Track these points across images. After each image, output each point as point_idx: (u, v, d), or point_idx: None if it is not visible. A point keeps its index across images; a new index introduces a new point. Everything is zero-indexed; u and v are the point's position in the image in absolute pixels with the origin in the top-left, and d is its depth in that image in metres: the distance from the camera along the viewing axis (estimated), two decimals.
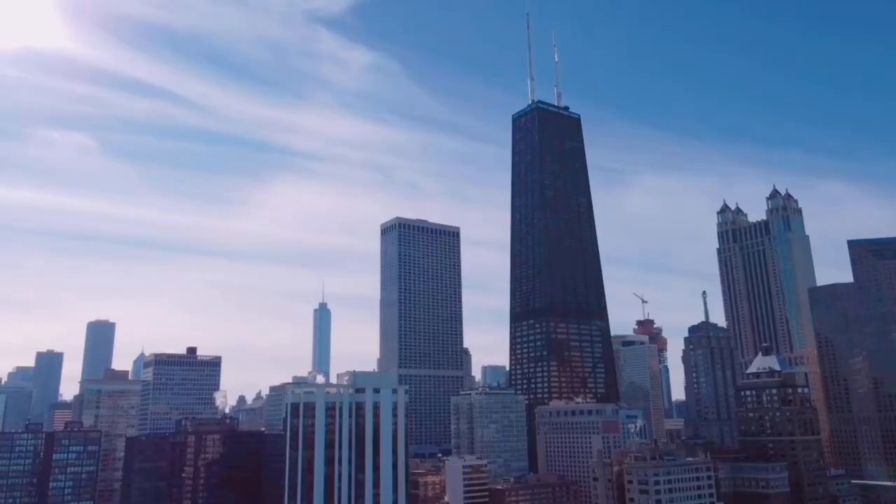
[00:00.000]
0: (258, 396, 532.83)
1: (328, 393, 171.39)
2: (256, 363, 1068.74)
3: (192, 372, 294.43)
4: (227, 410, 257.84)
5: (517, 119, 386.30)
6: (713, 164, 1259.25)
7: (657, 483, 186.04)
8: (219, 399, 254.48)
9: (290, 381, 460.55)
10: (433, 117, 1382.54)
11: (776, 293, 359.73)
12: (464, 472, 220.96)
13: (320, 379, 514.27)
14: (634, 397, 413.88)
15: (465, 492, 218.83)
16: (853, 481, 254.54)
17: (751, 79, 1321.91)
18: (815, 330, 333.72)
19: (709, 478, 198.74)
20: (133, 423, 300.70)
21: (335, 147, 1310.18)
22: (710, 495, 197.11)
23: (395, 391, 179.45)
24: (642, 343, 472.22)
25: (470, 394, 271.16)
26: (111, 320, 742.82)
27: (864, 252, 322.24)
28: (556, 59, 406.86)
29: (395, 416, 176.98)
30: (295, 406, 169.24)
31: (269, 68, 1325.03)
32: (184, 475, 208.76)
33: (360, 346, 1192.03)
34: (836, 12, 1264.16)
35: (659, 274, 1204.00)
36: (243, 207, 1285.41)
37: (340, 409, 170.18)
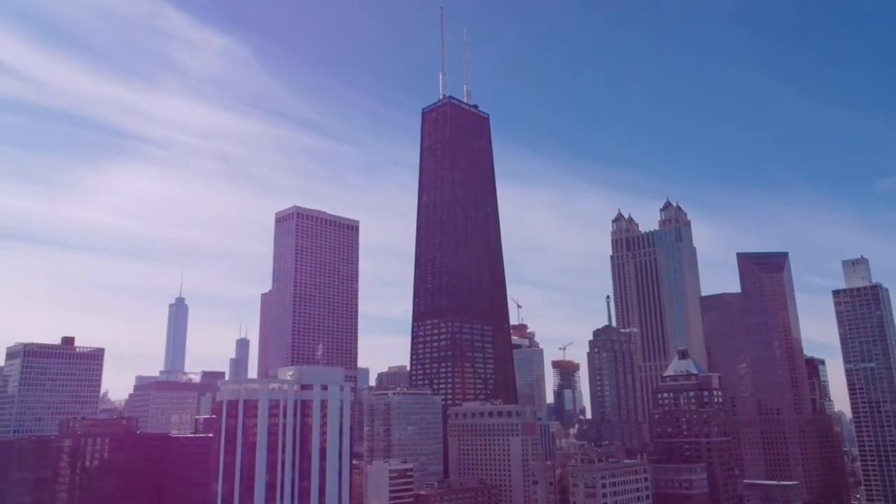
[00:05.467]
0: (104, 398, 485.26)
1: (272, 389, 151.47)
2: None
3: (68, 366, 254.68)
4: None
5: (427, 113, 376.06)
6: (558, 178, 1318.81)
7: (604, 486, 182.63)
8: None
9: (133, 380, 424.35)
10: (290, 112, 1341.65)
11: (666, 300, 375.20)
12: (390, 476, 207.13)
13: (188, 376, 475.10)
14: (519, 400, 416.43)
15: (391, 498, 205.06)
16: (745, 481, 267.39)
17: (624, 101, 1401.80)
18: (705, 336, 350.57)
19: (645, 479, 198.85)
20: None
21: (180, 134, 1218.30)
22: (647, 497, 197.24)
23: (342, 388, 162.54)
24: (528, 347, 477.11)
25: (387, 394, 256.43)
26: None
27: (750, 264, 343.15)
28: (467, 56, 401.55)
29: (341, 416, 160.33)
30: (232, 403, 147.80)
31: (106, 42, 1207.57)
32: (72, 484, 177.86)
33: (210, 346, 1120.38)
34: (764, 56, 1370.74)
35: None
36: (74, 192, 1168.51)
37: (285, 407, 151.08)
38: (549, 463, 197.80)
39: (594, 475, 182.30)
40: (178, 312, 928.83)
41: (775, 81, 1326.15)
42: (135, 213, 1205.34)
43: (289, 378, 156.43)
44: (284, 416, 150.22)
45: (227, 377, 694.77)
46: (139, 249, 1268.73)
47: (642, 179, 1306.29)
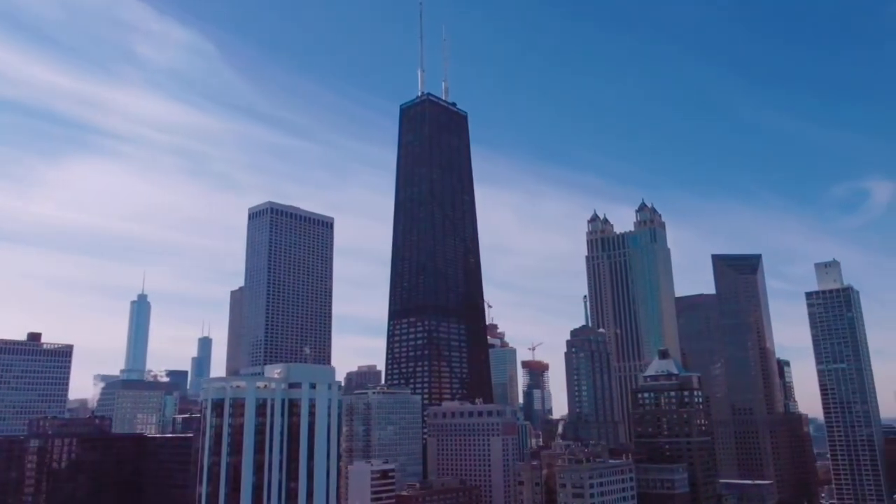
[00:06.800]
0: None
1: (259, 388, 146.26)
2: None
3: (35, 363, 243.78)
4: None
5: (405, 109, 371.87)
6: (529, 180, 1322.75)
7: (591, 486, 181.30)
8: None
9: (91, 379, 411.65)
10: (254, 108, 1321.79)
11: (641, 301, 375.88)
12: (372, 477, 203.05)
13: (153, 374, 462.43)
14: (494, 400, 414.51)
15: (373, 499, 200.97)
16: (720, 480, 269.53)
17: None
18: (679, 337, 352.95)
19: (631, 479, 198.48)
20: None
21: (141, 128, 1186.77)
22: (632, 497, 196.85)
23: (330, 387, 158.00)
24: (503, 347, 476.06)
25: (367, 393, 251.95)
26: None
27: (725, 266, 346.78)
28: (445, 53, 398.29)
29: (329, 415, 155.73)
30: (218, 402, 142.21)
31: (65, 32, 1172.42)
32: (39, 486, 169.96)
33: (169, 345, 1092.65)
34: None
35: None
36: (31, 186, 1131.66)
37: (272, 406, 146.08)
38: (535, 463, 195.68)
39: (582, 475, 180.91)
40: (140, 310, 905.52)
41: (737, 93, 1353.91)
42: (94, 208, 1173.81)
43: (276, 376, 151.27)
44: (272, 415, 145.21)
45: (189, 377, 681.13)
46: (99, 246, 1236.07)
47: (615, 185, 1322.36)
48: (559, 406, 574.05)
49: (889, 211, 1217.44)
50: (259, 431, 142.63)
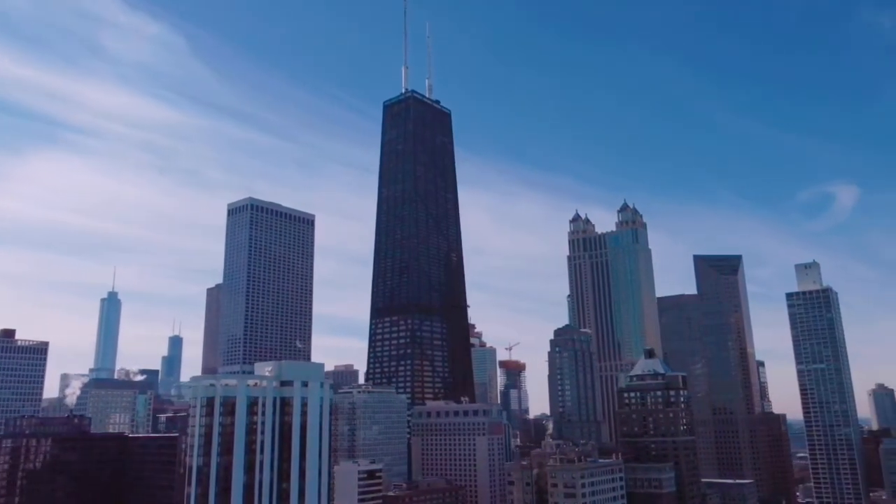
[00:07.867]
0: None
1: (250, 386, 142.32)
2: None
3: (8, 360, 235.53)
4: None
5: (389, 106, 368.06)
6: (504, 181, 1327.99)
7: (583, 486, 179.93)
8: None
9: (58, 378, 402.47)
10: (225, 104, 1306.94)
11: (622, 301, 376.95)
12: (359, 478, 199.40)
13: (126, 372, 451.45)
14: (476, 400, 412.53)
15: (360, 499, 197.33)
16: (703, 479, 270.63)
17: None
18: (661, 337, 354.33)
19: (621, 479, 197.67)
20: None
21: (109, 123, 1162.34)
22: (622, 496, 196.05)
23: (322, 385, 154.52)
24: (482, 347, 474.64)
25: (352, 392, 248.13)
26: None
27: (707, 267, 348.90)
28: (429, 50, 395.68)
29: (321, 414, 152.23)
30: (209, 401, 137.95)
31: (31, 23, 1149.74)
32: (12, 487, 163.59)
33: (137, 343, 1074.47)
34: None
35: None
36: None
37: (263, 405, 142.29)
38: (525, 462, 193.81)
39: (574, 475, 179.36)
40: (111, 308, 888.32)
41: (707, 98, 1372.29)
42: (61, 204, 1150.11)
43: (267, 373, 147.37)
44: (263, 414, 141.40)
45: (160, 375, 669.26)
46: (66, 242, 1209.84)
47: (591, 188, 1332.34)
48: (535, 406, 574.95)
49: (854, 215, 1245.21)
50: (250, 431, 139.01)
